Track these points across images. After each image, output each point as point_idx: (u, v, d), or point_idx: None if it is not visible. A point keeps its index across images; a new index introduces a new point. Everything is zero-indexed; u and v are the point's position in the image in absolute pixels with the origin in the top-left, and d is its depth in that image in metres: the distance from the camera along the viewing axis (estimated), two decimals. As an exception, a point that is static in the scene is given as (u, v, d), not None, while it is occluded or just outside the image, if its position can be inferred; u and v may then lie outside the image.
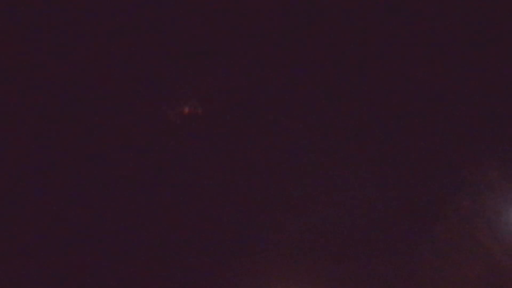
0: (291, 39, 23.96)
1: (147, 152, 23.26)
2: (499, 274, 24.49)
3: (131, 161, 22.61)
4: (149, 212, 22.97)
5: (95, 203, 22.10)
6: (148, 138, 22.78)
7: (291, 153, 26.16)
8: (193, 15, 22.05)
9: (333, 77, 24.31)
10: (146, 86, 22.14)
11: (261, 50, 24.10)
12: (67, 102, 20.92)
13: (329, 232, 28.56)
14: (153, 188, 23.12)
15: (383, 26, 23.85)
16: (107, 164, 22.56)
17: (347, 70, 24.38)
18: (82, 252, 20.52)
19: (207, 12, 22.07)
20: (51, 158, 21.47)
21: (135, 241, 22.21)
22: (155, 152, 23.05)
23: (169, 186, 24.22)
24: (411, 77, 28.08)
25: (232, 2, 22.03)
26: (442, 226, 26.69)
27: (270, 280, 25.88)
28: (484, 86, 27.42)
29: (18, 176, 21.01)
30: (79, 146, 21.67)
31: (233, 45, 24.10)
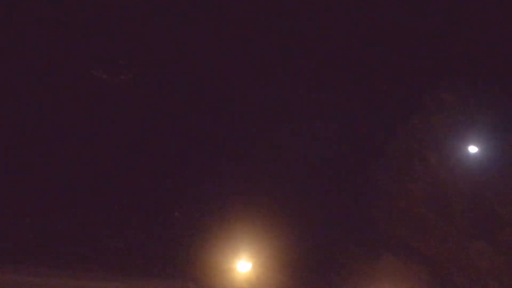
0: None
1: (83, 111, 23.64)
2: (442, 190, 25.80)
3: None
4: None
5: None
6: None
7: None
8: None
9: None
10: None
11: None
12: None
13: (295, 160, 29.12)
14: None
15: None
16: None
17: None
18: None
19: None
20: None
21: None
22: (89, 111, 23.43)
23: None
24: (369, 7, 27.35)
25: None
26: (393, 144, 27.43)
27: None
28: (440, 13, 27.07)
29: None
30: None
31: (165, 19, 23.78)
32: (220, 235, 28.92)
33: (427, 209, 24.80)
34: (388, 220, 25.92)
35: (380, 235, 27.15)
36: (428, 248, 24.78)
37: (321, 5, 28.40)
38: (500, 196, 23.14)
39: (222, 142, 28.41)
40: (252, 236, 28.43)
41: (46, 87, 21.14)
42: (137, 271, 29.80)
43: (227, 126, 29.10)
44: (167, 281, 31.19)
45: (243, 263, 25.30)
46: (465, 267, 23.64)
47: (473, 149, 24.79)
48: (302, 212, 29.47)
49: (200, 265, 30.27)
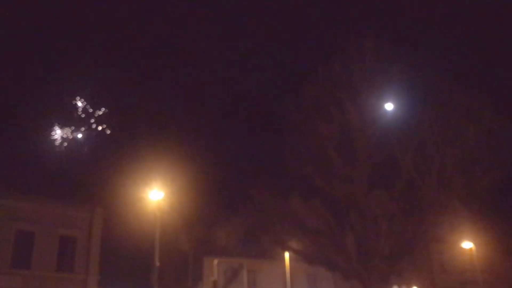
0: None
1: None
2: (351, 136, 26.56)
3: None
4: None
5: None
6: None
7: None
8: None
9: None
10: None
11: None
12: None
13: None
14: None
15: None
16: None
17: None
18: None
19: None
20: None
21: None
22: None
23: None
24: None
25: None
26: (311, 84, 27.63)
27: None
28: None
29: None
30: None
31: None
32: (133, 166, 28.80)
33: (335, 152, 25.63)
34: (297, 158, 26.61)
35: (289, 172, 28.09)
36: (332, 189, 25.87)
37: None
38: (401, 145, 24.36)
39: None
40: (165, 166, 28.50)
41: None
42: (43, 192, 29.28)
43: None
44: (78, 206, 31.06)
45: (155, 192, 25.44)
46: (362, 210, 25.01)
47: (389, 106, 25.59)
48: (214, 145, 29.88)
49: (113, 193, 30.22)
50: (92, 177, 26.41)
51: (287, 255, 32.82)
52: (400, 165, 24.50)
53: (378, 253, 24.50)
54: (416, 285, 38.90)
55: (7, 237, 26.69)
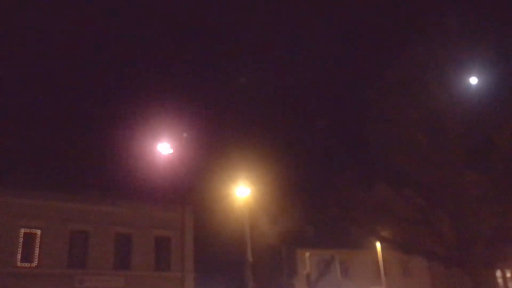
0: None
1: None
2: (439, 118, 25.32)
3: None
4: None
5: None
6: None
7: None
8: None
9: None
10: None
11: None
12: None
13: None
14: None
15: None
16: None
17: None
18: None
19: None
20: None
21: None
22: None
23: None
24: None
25: None
26: (394, 69, 26.64)
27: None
28: None
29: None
30: None
31: None
32: (219, 164, 29.30)
33: (424, 135, 24.56)
34: (384, 146, 25.81)
35: (375, 161, 27.28)
36: (423, 175, 24.83)
37: None
38: (496, 124, 22.80)
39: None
40: (250, 163, 28.75)
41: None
42: (138, 197, 30.76)
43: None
44: (170, 207, 32.35)
45: (242, 189, 25.80)
46: (458, 194, 23.76)
47: (473, 80, 24.13)
48: (299, 139, 29.58)
49: (202, 192, 31.00)
50: (180, 177, 27.27)
51: (379, 244, 32.10)
52: (496, 145, 22.96)
53: (480, 238, 23.19)
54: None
55: (108, 241, 28.38)
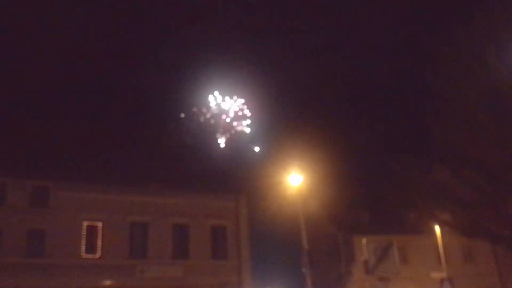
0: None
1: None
2: (502, 95, 24.07)
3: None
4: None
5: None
6: None
7: None
8: None
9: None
10: None
11: None
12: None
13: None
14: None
15: None
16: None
17: None
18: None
19: None
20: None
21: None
22: None
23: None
24: None
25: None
26: (451, 47, 25.44)
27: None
28: None
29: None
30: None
31: None
32: (272, 151, 29.20)
33: (485, 115, 23.39)
34: (443, 128, 24.84)
35: (435, 143, 26.32)
36: (484, 155, 23.73)
37: None
38: None
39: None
40: (303, 150, 28.46)
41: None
42: (194, 188, 31.18)
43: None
44: (224, 196, 32.66)
45: (294, 176, 25.63)
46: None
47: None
48: (352, 124, 28.96)
49: (255, 180, 31.04)
50: (234, 166, 27.53)
51: (438, 228, 31.11)
52: None
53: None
54: None
55: (166, 231, 29.01)
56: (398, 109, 25.90)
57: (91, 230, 27.65)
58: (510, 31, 23.60)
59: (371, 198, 32.41)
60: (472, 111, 24.08)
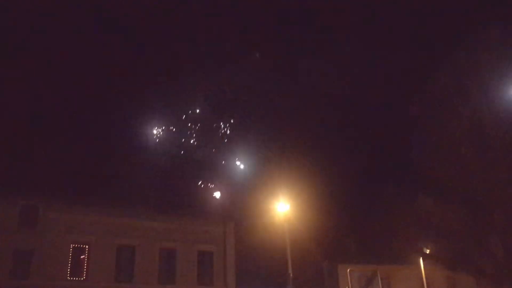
0: None
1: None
2: (484, 128, 24.77)
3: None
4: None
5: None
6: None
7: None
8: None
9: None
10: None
11: None
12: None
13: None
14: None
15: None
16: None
17: None
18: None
19: None
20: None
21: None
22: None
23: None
24: None
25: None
26: (435, 80, 26.34)
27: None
28: None
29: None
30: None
31: None
32: (260, 180, 29.66)
33: (468, 147, 24.13)
34: (428, 159, 25.47)
35: (419, 174, 26.93)
36: (468, 187, 24.35)
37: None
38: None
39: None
40: (290, 179, 28.94)
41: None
42: (182, 212, 31.38)
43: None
44: (212, 222, 32.81)
45: (281, 204, 26.03)
46: (506, 205, 23.20)
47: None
48: (338, 153, 29.61)
49: (243, 207, 31.35)
50: (223, 193, 27.96)
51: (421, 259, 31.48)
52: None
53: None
54: None
55: (153, 255, 29.00)
56: (384, 139, 26.64)
57: (78, 252, 27.51)
58: (491, 69, 24.57)
59: (357, 227, 32.80)
60: (455, 144, 24.84)
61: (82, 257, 27.28)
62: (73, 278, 26.83)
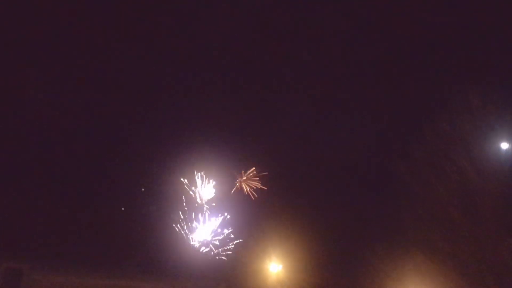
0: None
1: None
2: (470, 191, 25.46)
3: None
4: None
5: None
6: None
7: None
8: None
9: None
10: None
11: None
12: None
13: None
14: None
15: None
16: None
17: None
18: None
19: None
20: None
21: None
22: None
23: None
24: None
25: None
26: (419, 146, 27.14)
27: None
28: (470, 15, 26.58)
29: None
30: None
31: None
32: (252, 240, 29.60)
33: (456, 210, 24.62)
34: (416, 222, 25.82)
35: (408, 237, 27.18)
36: (458, 249, 24.64)
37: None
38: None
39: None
40: (281, 240, 28.92)
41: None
42: (168, 273, 30.76)
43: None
44: (200, 281, 32.16)
45: (274, 265, 26.01)
46: (496, 266, 23.48)
47: (504, 145, 24.48)
48: (329, 216, 29.89)
49: (233, 266, 30.93)
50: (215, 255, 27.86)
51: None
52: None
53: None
54: None
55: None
56: (373, 199, 27.17)
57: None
58: (475, 132, 25.60)
59: (347, 287, 32.45)
60: (444, 207, 25.35)
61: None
62: None
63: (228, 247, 28.32)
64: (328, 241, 26.78)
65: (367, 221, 26.96)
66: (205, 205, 30.22)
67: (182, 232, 29.42)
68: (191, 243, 29.51)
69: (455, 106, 25.84)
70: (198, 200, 30.03)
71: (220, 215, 29.44)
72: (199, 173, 31.01)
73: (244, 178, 30.82)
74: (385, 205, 26.20)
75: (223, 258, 27.79)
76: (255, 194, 30.82)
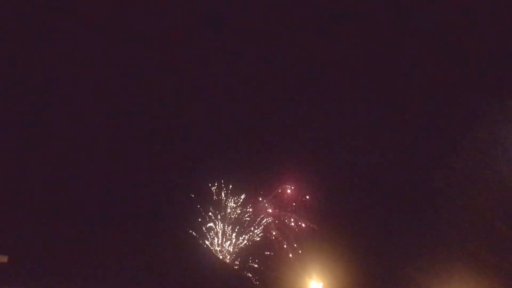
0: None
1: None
2: (513, 201, 24.66)
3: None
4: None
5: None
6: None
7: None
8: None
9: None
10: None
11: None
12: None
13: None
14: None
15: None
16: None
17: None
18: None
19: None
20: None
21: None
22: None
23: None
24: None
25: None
26: (460, 157, 26.55)
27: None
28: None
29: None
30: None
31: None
32: (292, 257, 29.39)
33: (500, 221, 24.10)
34: (459, 234, 25.31)
35: (451, 250, 26.65)
36: (502, 260, 24.10)
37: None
38: None
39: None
40: (322, 257, 28.54)
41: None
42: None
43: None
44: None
45: (314, 283, 25.61)
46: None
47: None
48: (369, 232, 29.48)
49: (275, 284, 30.71)
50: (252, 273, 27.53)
51: None
52: None
53: None
54: None
55: None
56: (414, 214, 26.63)
57: None
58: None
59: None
60: (488, 218, 24.75)
61: None
62: None
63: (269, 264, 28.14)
64: (369, 258, 26.34)
65: (409, 236, 26.45)
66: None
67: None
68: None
69: (493, 115, 25.36)
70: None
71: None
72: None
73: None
74: (426, 219, 25.72)
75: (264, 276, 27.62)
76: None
